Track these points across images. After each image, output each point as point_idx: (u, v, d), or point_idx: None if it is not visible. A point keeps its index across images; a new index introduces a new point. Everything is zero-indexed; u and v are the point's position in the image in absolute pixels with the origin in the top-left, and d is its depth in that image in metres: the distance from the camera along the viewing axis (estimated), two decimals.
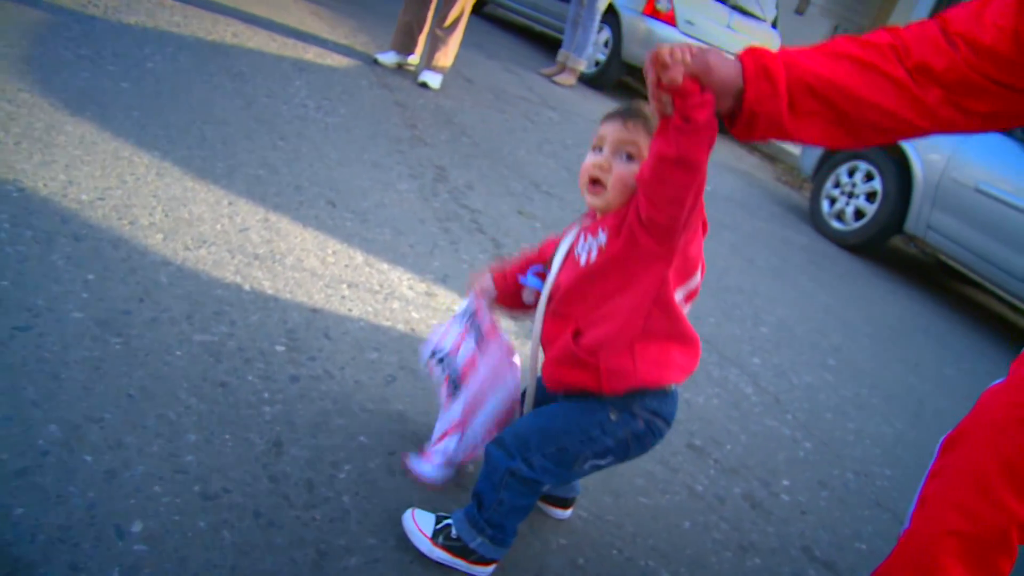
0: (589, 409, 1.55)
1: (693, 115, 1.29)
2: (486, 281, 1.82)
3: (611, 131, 1.54)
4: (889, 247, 6.48)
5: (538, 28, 9.35)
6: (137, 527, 1.45)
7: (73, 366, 1.77)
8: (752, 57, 1.38)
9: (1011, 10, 1.32)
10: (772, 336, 3.58)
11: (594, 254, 1.52)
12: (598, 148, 1.56)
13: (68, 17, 3.91)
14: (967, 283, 6.37)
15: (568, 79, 7.73)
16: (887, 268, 5.88)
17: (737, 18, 8.41)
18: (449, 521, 1.64)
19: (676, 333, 1.55)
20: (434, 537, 1.63)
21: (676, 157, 1.32)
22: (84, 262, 2.13)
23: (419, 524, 1.65)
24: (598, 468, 1.61)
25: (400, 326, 2.42)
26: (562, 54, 7.76)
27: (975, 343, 4.94)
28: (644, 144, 1.50)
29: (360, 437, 1.90)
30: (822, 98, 1.38)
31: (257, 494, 1.63)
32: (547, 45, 9.26)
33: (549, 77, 7.67)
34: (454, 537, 1.62)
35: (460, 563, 1.62)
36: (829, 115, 1.41)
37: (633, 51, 8.07)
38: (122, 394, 1.74)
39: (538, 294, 1.65)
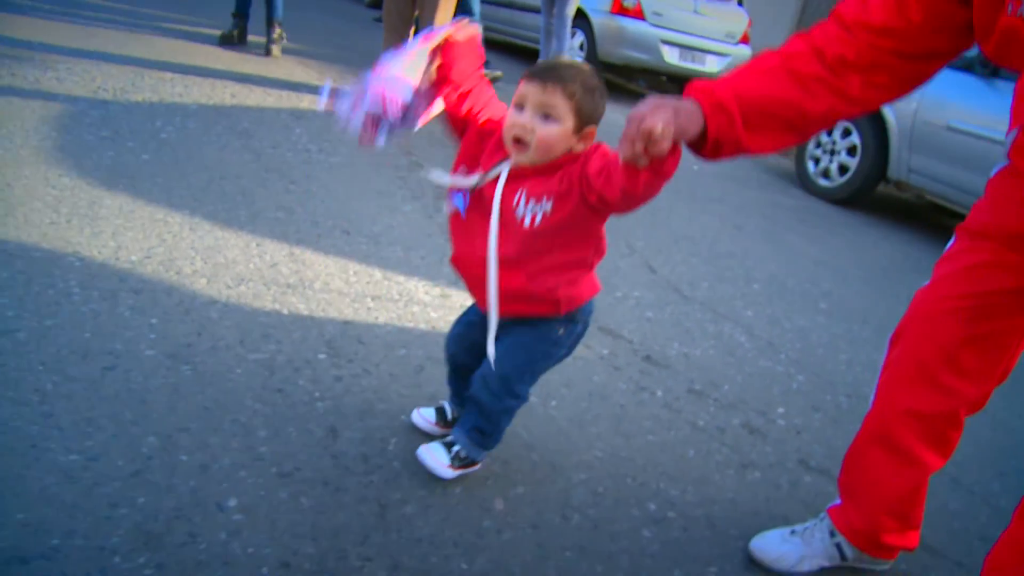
0: (541, 334, 1.89)
1: (668, 171, 1.49)
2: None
3: (531, 92, 1.66)
4: (881, 196, 6.76)
5: (518, 42, 9.71)
6: (233, 502, 1.80)
7: (156, 392, 2.12)
8: (705, 96, 1.58)
9: None
10: (764, 291, 3.90)
11: (539, 218, 1.71)
12: (519, 106, 1.68)
13: (85, 104, 4.29)
14: (960, 218, 6.62)
15: None
16: (879, 216, 6.18)
17: (703, 2, 8.74)
18: (459, 447, 2.01)
19: (601, 258, 1.88)
20: (452, 463, 2.00)
21: (642, 195, 1.54)
22: (146, 310, 2.49)
23: (435, 456, 2.01)
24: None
25: (422, 325, 2.77)
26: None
27: None
28: (561, 104, 1.65)
29: (401, 416, 2.24)
30: (770, 115, 1.61)
31: (323, 469, 1.97)
32: (527, 56, 9.62)
33: None
34: (464, 458, 2.01)
35: (471, 470, 2.05)
36: (778, 125, 1.63)
37: (608, 50, 8.43)
38: (200, 408, 2.09)
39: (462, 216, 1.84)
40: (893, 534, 1.96)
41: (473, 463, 2.03)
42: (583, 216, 1.72)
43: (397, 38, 5.74)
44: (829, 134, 6.35)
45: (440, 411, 2.23)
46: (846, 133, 6.23)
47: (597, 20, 8.44)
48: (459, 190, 1.82)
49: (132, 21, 6.74)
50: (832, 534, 2.00)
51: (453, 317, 2.81)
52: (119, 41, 5.87)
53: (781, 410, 2.77)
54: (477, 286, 1.87)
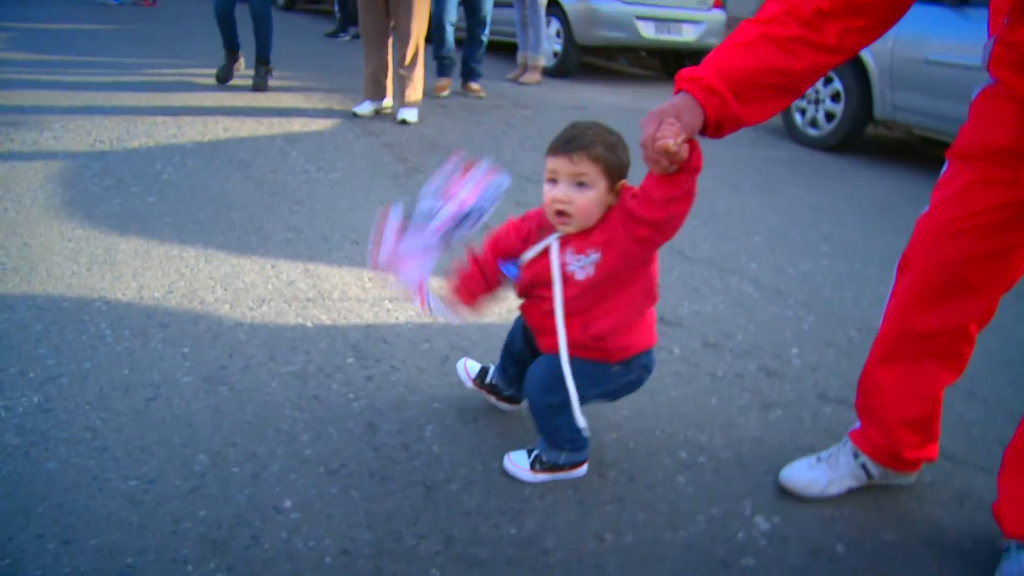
0: (596, 361, 1.96)
1: (697, 165, 1.67)
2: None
3: (560, 166, 1.79)
4: (871, 137, 6.83)
5: (494, 38, 9.80)
6: (288, 503, 1.91)
7: (199, 414, 2.23)
8: (694, 84, 1.67)
9: None
10: (765, 242, 3.99)
11: (591, 270, 1.84)
12: (552, 181, 1.82)
13: (85, 158, 4.41)
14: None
15: (533, 77, 8.17)
16: (871, 157, 6.26)
17: None
18: (537, 451, 2.08)
19: (652, 305, 1.98)
20: (532, 467, 2.06)
21: (684, 194, 1.70)
22: (177, 341, 2.60)
23: (516, 463, 2.08)
24: (596, 401, 2.08)
25: (441, 319, 2.87)
26: (521, 55, 8.22)
27: None
28: (590, 170, 1.77)
29: (434, 404, 2.35)
30: (758, 84, 1.70)
31: (367, 461, 2.08)
32: (506, 51, 9.72)
33: (515, 80, 8.13)
34: (545, 461, 2.06)
35: (560, 475, 2.08)
36: (769, 93, 1.72)
37: (584, 33, 8.51)
38: (243, 423, 2.20)
39: (515, 281, 1.99)
40: (913, 448, 2.05)
41: (556, 467, 2.06)
42: (632, 258, 1.84)
43: (376, 51, 5.85)
44: None
45: (483, 371, 2.35)
46: (828, 80, 6.29)
47: (570, 5, 8.52)
48: (511, 262, 1.98)
49: (116, 73, 6.87)
50: (856, 455, 2.10)
51: None
52: (107, 94, 5.99)
53: (795, 351, 2.87)
54: (541, 334, 2.01)
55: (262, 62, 6.71)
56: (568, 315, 1.90)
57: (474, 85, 7.21)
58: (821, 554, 1.90)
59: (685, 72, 1.70)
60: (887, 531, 2.00)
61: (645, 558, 1.84)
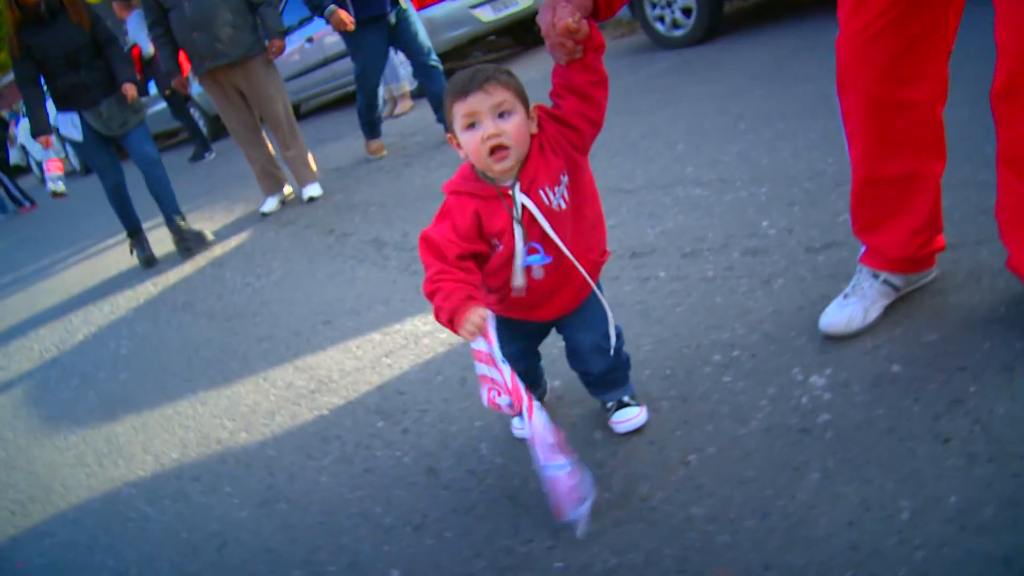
0: (596, 298, 1.98)
1: (600, 41, 1.75)
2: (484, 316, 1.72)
3: (478, 102, 1.69)
4: (733, 13, 6.97)
5: (352, 89, 9.83)
6: (396, 573, 1.93)
7: (270, 537, 2.24)
8: None
9: None
10: (689, 146, 4.08)
11: (567, 195, 1.80)
12: (472, 125, 1.71)
13: (40, 371, 4.39)
14: None
15: (404, 105, 8.23)
16: (743, 31, 6.40)
17: None
18: (625, 396, 2.12)
19: None
20: (639, 405, 2.12)
21: (602, 79, 1.78)
22: (215, 486, 2.61)
23: (632, 416, 2.09)
24: None
25: (440, 349, 2.91)
26: (385, 91, 8.25)
27: None
28: (507, 96, 1.70)
29: (475, 424, 2.39)
30: None
31: (444, 503, 2.11)
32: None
33: (390, 116, 8.16)
34: (636, 395, 2.15)
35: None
36: None
37: (436, 39, 8.54)
38: (315, 525, 2.22)
39: (543, 267, 1.84)
40: (925, 246, 2.13)
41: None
42: (579, 168, 1.83)
43: (255, 147, 5.87)
44: None
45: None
46: None
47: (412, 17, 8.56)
48: (528, 250, 1.82)
49: (26, 283, 6.84)
50: (875, 276, 2.16)
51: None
52: (27, 305, 5.96)
53: (765, 223, 2.94)
54: (552, 295, 1.93)
55: (180, 216, 5.77)
56: (579, 248, 1.85)
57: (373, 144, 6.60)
58: (883, 380, 1.96)
59: None
60: (928, 334, 2.07)
61: (733, 459, 1.89)
